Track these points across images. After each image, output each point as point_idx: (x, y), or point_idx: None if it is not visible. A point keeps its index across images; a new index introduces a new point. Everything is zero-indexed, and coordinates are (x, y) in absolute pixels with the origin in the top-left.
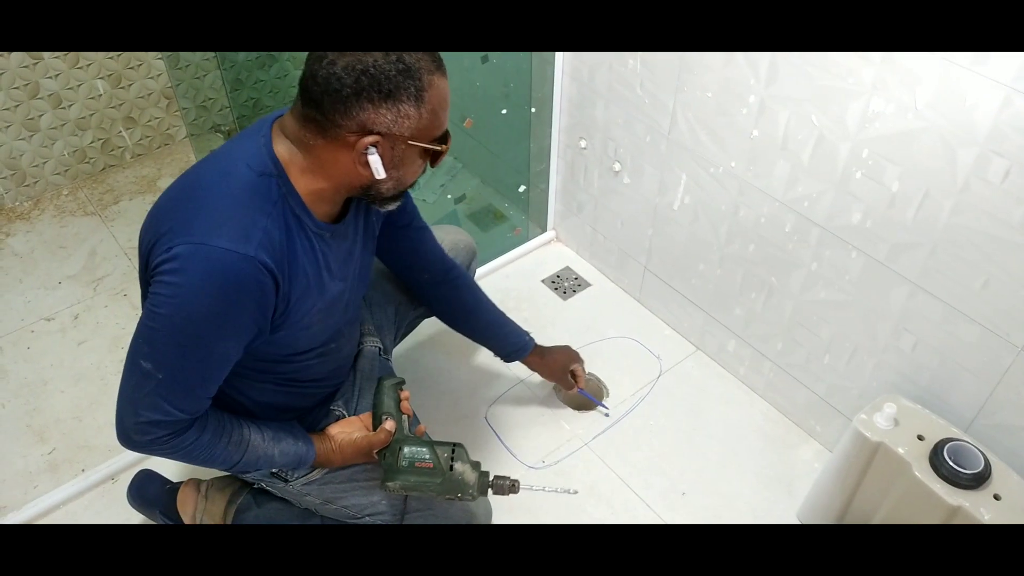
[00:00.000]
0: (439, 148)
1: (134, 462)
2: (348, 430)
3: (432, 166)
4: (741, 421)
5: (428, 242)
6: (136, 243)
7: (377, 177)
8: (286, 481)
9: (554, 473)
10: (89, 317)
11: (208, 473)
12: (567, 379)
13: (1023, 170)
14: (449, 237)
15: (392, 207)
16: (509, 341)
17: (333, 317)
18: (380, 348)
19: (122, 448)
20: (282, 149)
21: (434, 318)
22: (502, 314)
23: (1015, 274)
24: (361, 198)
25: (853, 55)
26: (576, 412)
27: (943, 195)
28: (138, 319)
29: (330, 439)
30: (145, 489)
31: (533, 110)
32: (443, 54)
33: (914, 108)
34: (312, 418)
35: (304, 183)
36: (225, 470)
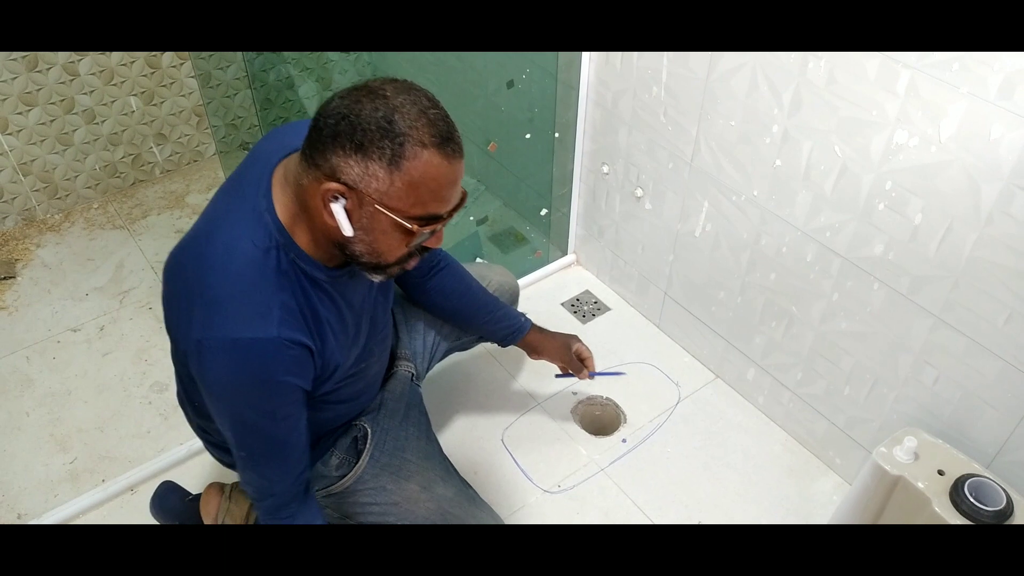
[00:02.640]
0: (410, 227)
1: (154, 474)
2: None
3: (430, 245)
4: (760, 451)
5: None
6: (162, 258)
7: (344, 232)
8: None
9: (568, 498)
10: (114, 329)
11: (231, 477)
12: (574, 361)
13: None
14: (496, 278)
15: (377, 279)
16: (503, 324)
17: (360, 340)
18: (413, 374)
19: (141, 460)
20: (282, 206)
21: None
22: (496, 299)
23: None
24: (351, 262)
25: (877, 87)
26: (593, 436)
27: (967, 228)
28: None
29: None
30: (167, 500)
31: (557, 135)
32: (471, 76)
33: (938, 141)
34: (336, 435)
35: (305, 238)
36: None
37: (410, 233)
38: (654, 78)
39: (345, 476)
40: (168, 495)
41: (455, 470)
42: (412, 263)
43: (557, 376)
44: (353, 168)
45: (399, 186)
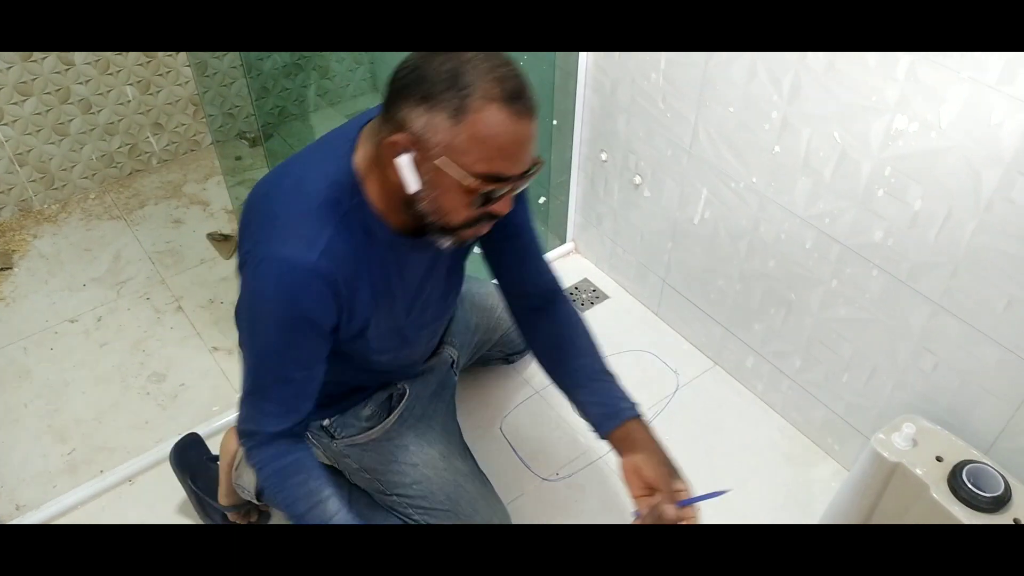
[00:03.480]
0: (473, 182)
1: (152, 464)
2: None
3: (494, 211)
4: (758, 438)
5: (531, 263)
6: (159, 248)
7: (409, 189)
8: (332, 437)
9: (567, 486)
10: (112, 320)
11: None
12: (666, 481)
13: None
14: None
15: (444, 244)
16: (598, 399)
17: (409, 322)
18: (454, 360)
19: (139, 451)
20: (360, 157)
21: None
22: (604, 370)
23: None
24: (416, 224)
25: (877, 73)
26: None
27: (966, 215)
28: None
29: None
30: (187, 452)
31: (555, 122)
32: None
33: (938, 127)
34: (373, 388)
35: (375, 192)
36: (290, 516)
37: (472, 191)
38: (652, 65)
39: (373, 428)
40: (190, 448)
41: (471, 454)
42: (483, 228)
43: (633, 515)
44: (419, 120)
45: (462, 139)
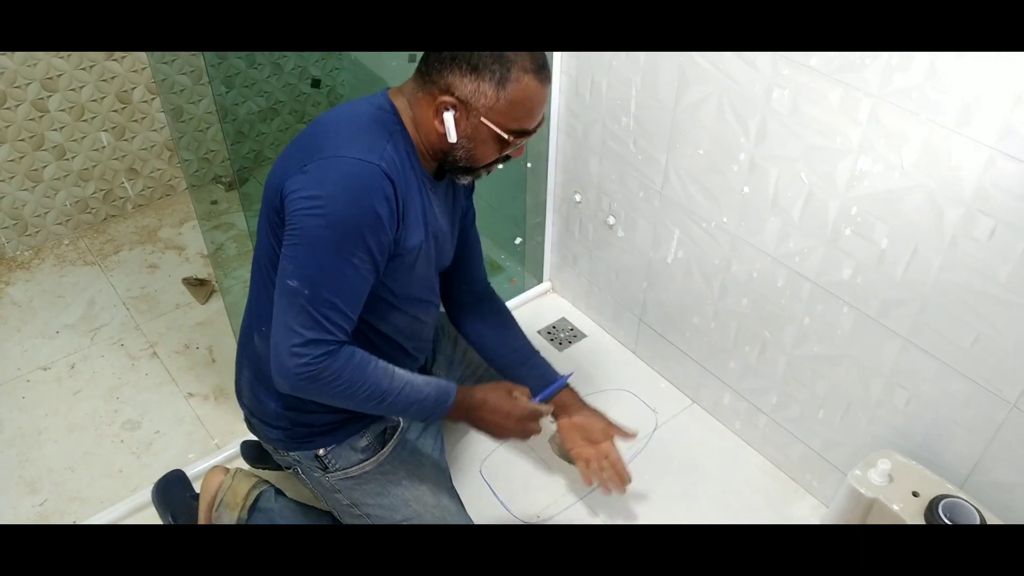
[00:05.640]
0: (507, 137)
1: (126, 514)
2: (496, 390)
3: (512, 155)
4: (737, 475)
5: (476, 254)
6: (134, 294)
7: (450, 139)
8: (326, 470)
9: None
10: (85, 367)
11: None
12: (578, 441)
13: (1009, 228)
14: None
15: (464, 180)
16: (537, 373)
17: (431, 267)
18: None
19: (113, 500)
20: (397, 101)
21: None
22: (537, 351)
23: (1004, 330)
24: (442, 165)
25: (840, 115)
26: (572, 465)
27: (932, 252)
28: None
29: (474, 388)
30: (170, 489)
31: (529, 165)
32: None
33: (901, 168)
34: (371, 419)
35: (411, 133)
36: (373, 406)
37: (505, 143)
38: (623, 108)
39: (367, 460)
40: (173, 485)
41: (458, 494)
42: (497, 167)
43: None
44: (467, 85)
45: (503, 103)
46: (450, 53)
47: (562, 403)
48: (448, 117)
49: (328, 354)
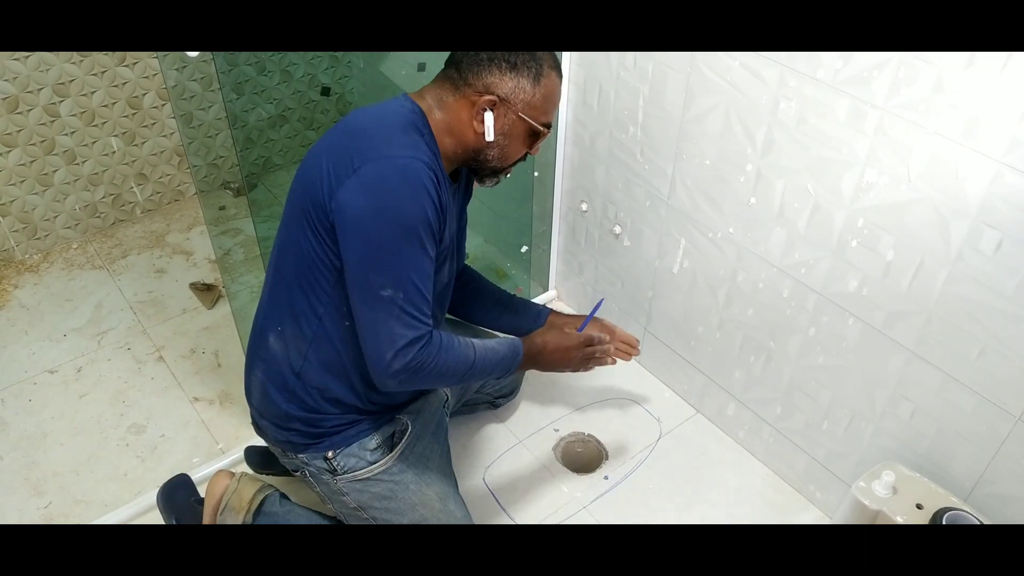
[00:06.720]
0: (541, 128)
1: (130, 518)
2: (551, 330)
3: (531, 152)
4: (741, 486)
5: (463, 256)
6: (141, 298)
7: (487, 139)
8: (334, 473)
9: None
10: (92, 370)
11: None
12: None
13: (1015, 242)
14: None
15: (489, 184)
16: (520, 312)
17: (453, 268)
18: (447, 399)
19: (118, 503)
20: (423, 105)
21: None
22: (513, 295)
23: (1009, 343)
24: (468, 166)
25: (847, 127)
26: (575, 474)
27: (937, 265)
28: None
29: (533, 335)
30: (175, 493)
31: (536, 174)
32: None
33: (907, 180)
34: (381, 420)
35: (436, 136)
36: (463, 375)
37: (535, 138)
38: (630, 118)
39: (377, 462)
40: (178, 489)
41: (463, 501)
42: (513, 168)
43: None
44: (507, 83)
45: (539, 97)
46: (486, 54)
47: (551, 322)
48: (488, 116)
49: (426, 345)
